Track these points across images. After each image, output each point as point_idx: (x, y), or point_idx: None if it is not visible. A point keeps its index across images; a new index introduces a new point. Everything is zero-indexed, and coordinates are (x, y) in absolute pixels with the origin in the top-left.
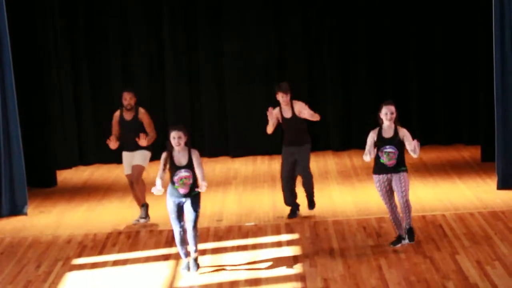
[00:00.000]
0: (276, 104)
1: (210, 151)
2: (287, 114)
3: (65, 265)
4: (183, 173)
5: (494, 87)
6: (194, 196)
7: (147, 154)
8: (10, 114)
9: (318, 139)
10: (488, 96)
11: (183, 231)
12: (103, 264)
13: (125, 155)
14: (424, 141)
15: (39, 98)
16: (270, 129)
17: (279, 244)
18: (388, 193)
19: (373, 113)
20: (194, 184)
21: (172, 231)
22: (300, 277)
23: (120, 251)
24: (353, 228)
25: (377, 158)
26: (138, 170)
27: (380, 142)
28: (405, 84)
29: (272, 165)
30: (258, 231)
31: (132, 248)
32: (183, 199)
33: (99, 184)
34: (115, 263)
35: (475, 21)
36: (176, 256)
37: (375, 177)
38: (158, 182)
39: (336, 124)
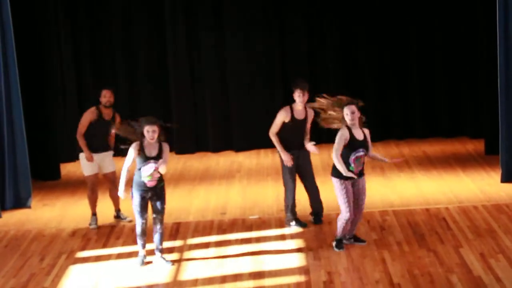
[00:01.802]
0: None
1: (214, 144)
2: (300, 115)
3: (69, 258)
4: (152, 163)
5: (498, 80)
6: (160, 188)
7: (112, 154)
8: (14, 107)
9: (321, 133)
10: (492, 89)
11: (146, 222)
12: (107, 257)
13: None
14: (428, 133)
15: (43, 91)
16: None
17: (283, 237)
18: (352, 195)
19: (376, 106)
20: (161, 177)
21: (176, 223)
22: (304, 270)
23: (124, 244)
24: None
25: (345, 164)
26: (114, 177)
27: (353, 145)
28: (408, 76)
29: (276, 158)
30: (262, 224)
31: (136, 241)
32: (150, 192)
33: (103, 177)
34: (119, 256)
35: (478, 13)
36: (180, 249)
37: (340, 181)
38: (122, 185)
39: None
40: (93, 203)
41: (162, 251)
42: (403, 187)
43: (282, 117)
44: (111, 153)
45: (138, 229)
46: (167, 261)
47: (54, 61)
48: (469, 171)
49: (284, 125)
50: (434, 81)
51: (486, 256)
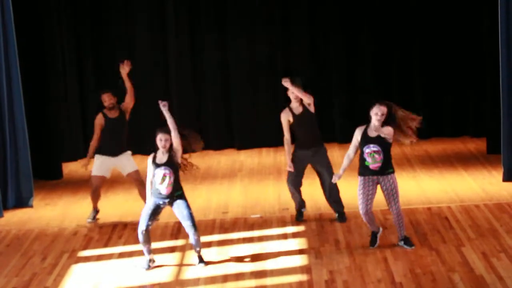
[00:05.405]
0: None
1: (216, 143)
2: (298, 110)
3: (71, 257)
4: (163, 170)
5: (500, 79)
6: (178, 196)
7: (130, 153)
8: (16, 106)
9: (323, 132)
10: (494, 88)
11: (146, 232)
12: (109, 257)
13: (104, 158)
14: (430, 133)
15: (45, 91)
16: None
17: (284, 236)
18: (370, 194)
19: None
20: (176, 183)
21: (177, 222)
22: (306, 269)
23: (126, 243)
24: (359, 220)
25: (361, 160)
26: (138, 175)
27: (364, 141)
28: (411, 76)
29: (277, 157)
30: (264, 223)
31: (138, 240)
32: (166, 200)
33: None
34: (121, 255)
35: (481, 13)
36: (182, 248)
37: (360, 178)
38: (148, 196)
39: (341, 116)
40: (94, 200)
41: (199, 252)
42: (405, 186)
43: (284, 118)
44: (128, 153)
45: (140, 237)
46: (201, 261)
47: (57, 60)
48: (471, 170)
49: (291, 125)
50: (436, 80)
51: (488, 255)
